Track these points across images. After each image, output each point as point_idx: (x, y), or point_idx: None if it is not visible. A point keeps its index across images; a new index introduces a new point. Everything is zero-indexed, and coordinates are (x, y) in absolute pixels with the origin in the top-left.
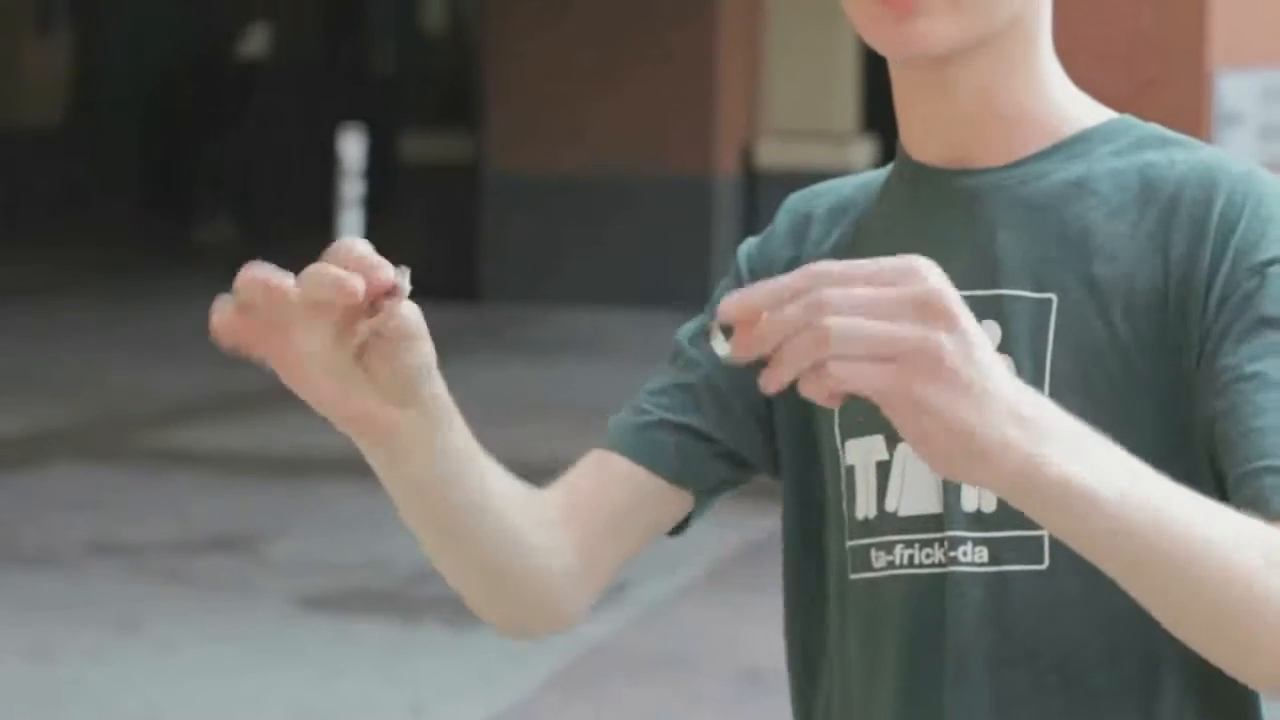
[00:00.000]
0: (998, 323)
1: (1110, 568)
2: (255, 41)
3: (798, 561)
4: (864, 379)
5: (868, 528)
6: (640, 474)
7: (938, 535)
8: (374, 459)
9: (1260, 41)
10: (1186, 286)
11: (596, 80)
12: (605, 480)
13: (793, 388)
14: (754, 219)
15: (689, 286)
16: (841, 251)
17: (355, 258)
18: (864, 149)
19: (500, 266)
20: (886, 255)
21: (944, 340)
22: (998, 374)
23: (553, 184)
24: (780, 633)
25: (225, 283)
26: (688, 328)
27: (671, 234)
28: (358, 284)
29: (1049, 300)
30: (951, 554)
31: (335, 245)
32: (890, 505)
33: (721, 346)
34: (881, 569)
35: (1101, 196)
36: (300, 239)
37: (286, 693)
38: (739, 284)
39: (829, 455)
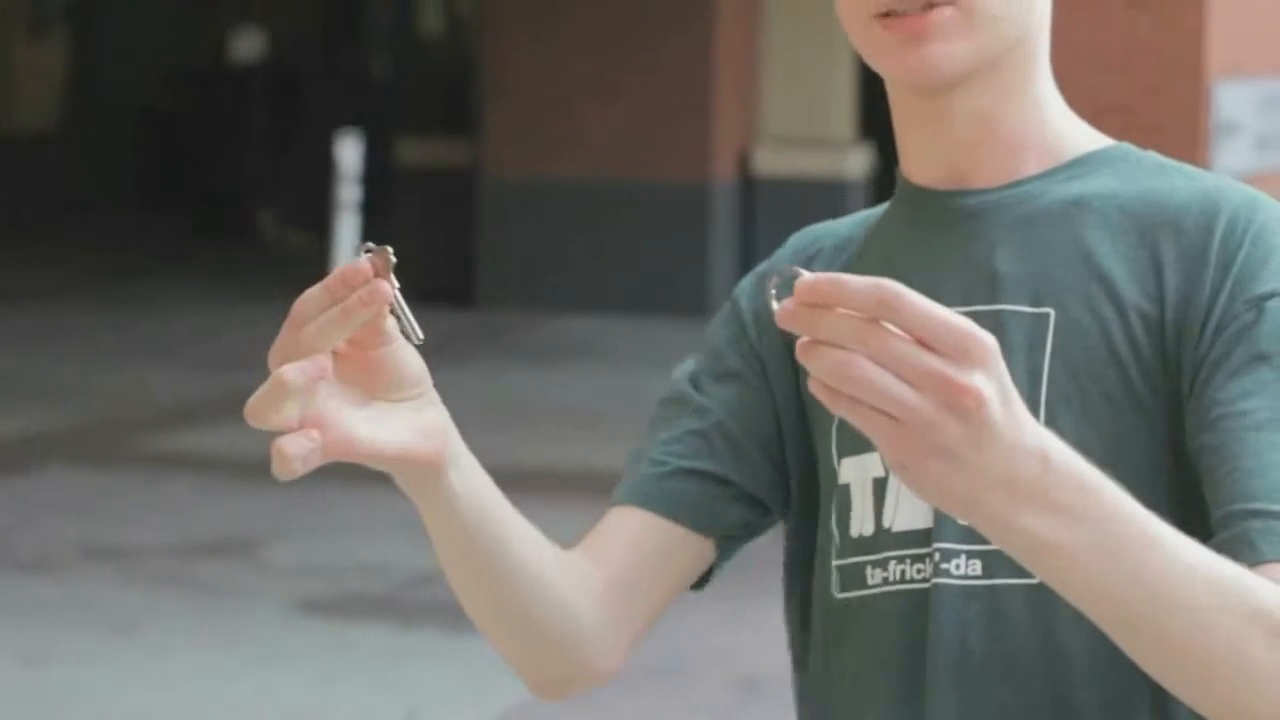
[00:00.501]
0: (995, 338)
1: (1094, 618)
2: (249, 46)
3: (799, 585)
4: (865, 426)
5: (863, 545)
6: (662, 525)
7: (927, 550)
8: (422, 496)
9: (1258, 51)
10: (1184, 312)
11: (594, 86)
12: (627, 537)
13: (801, 415)
14: (751, 226)
15: (686, 293)
16: None
17: (322, 291)
18: (860, 157)
19: (497, 272)
20: (883, 276)
21: (950, 429)
22: (1003, 449)
23: (550, 190)
24: (775, 641)
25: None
26: (686, 371)
27: (668, 241)
28: (363, 294)
29: (1046, 315)
30: (942, 567)
31: (296, 306)
32: (886, 521)
33: (774, 301)
34: (876, 585)
35: (1100, 216)
36: (299, 243)
37: (282, 697)
38: (742, 334)
39: (825, 475)
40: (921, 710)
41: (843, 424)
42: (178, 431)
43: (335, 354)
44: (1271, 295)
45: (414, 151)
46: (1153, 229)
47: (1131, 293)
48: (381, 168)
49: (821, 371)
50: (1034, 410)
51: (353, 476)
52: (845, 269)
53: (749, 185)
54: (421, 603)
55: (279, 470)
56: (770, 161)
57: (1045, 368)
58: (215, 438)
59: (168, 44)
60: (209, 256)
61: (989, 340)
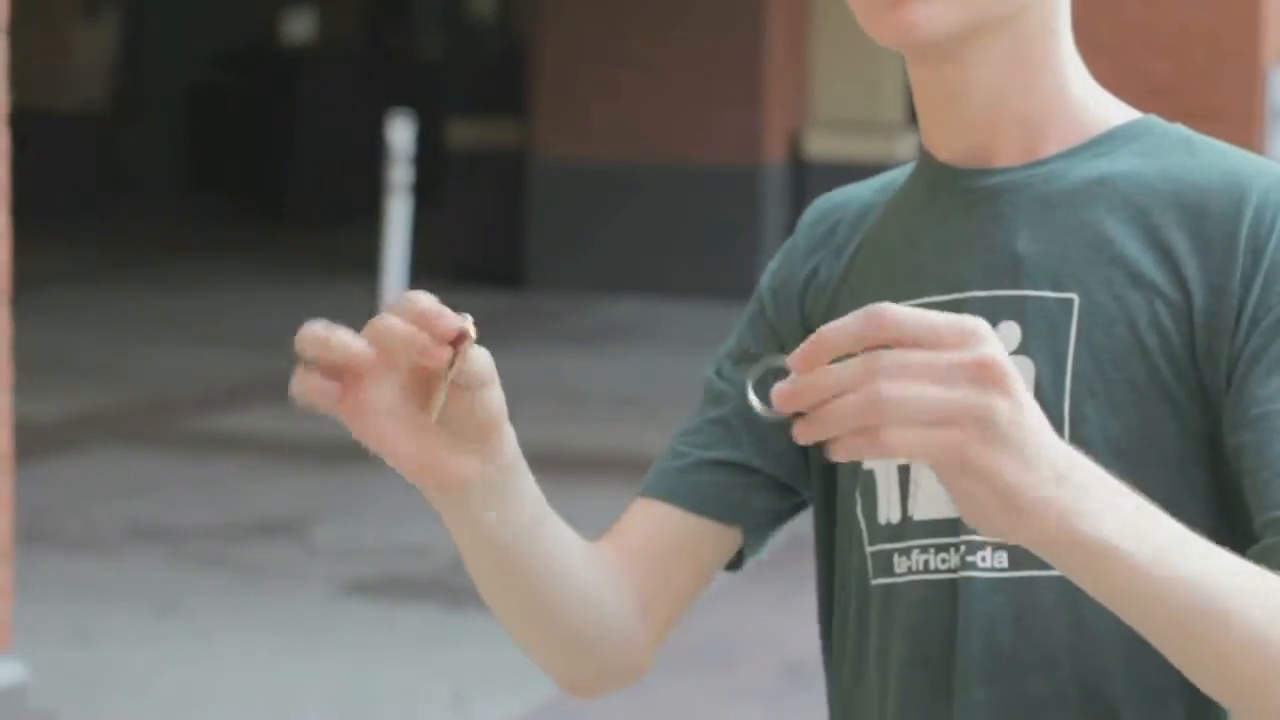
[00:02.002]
0: (1018, 323)
1: (1142, 627)
2: (301, 27)
3: (825, 571)
4: (918, 445)
5: (892, 532)
6: (684, 518)
7: (953, 540)
8: (449, 515)
9: None
10: (1216, 303)
11: (645, 67)
12: (651, 529)
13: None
14: (801, 209)
15: (736, 276)
16: (859, 256)
17: (419, 312)
18: (910, 140)
19: (546, 254)
20: (902, 257)
21: (998, 404)
22: (1044, 435)
23: (600, 171)
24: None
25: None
26: (715, 357)
27: (719, 224)
28: (428, 344)
29: (1070, 300)
30: (968, 559)
31: (399, 299)
32: (910, 509)
33: (757, 403)
34: (901, 574)
35: (1124, 197)
36: (349, 224)
37: (327, 679)
38: (760, 313)
39: (849, 462)
40: (950, 703)
41: None
42: (224, 413)
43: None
44: None
45: (464, 133)
46: (1179, 211)
47: (1157, 278)
48: (432, 149)
49: (848, 421)
50: (1058, 397)
51: None
52: (863, 241)
53: (800, 168)
54: (467, 585)
55: (293, 390)
56: (821, 144)
57: (1070, 355)
58: (261, 419)
59: (219, 24)
60: (257, 237)
61: (982, 322)
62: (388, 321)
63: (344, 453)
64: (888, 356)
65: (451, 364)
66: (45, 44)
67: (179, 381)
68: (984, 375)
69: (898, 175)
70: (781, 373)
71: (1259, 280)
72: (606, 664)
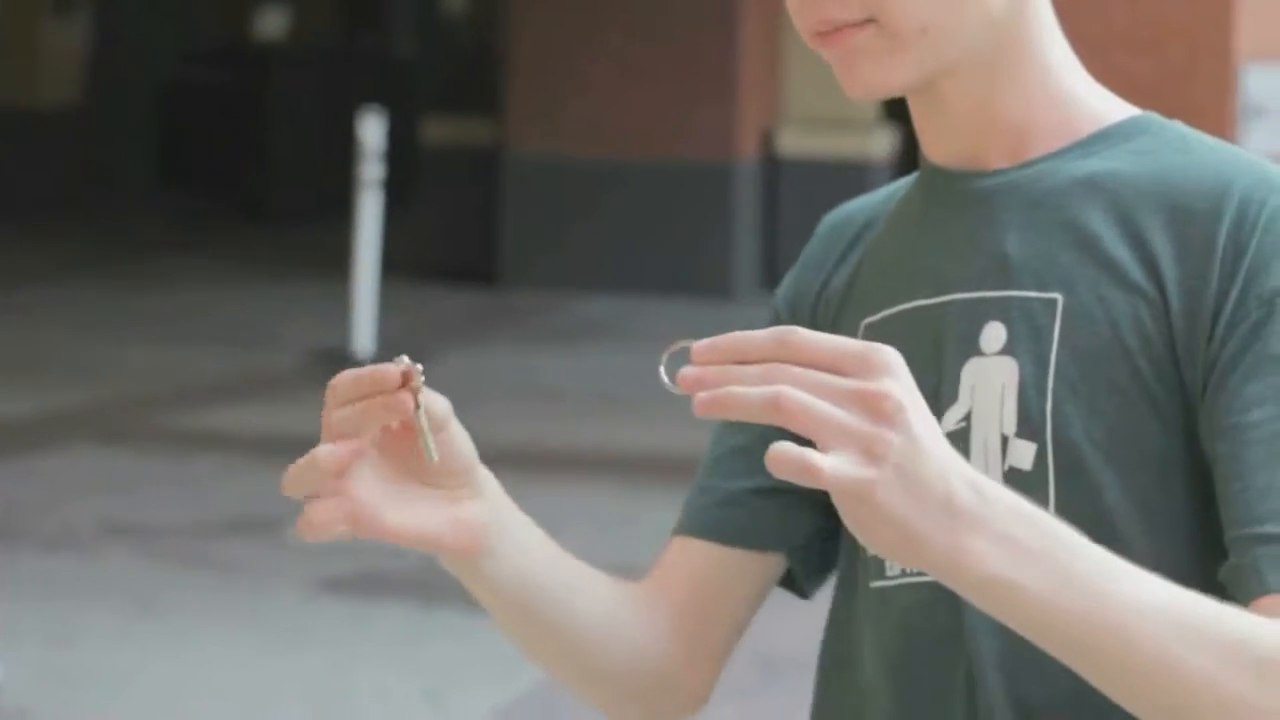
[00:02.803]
0: (1003, 324)
1: (1057, 654)
2: (273, 23)
3: (844, 576)
4: (815, 460)
5: None
6: (719, 551)
7: None
8: (469, 577)
9: None
10: (1194, 304)
11: (618, 65)
12: (690, 568)
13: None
14: (774, 206)
15: (709, 274)
16: (863, 265)
17: (353, 381)
18: (884, 138)
19: (520, 251)
20: (901, 262)
21: (887, 437)
22: (939, 468)
23: (574, 169)
24: (795, 621)
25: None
26: None
27: (692, 221)
28: (388, 399)
29: (1054, 300)
30: None
31: (330, 386)
32: None
33: (666, 380)
34: (895, 576)
35: (1111, 196)
36: (322, 222)
37: (303, 676)
38: (772, 317)
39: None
40: (948, 705)
41: None
42: (199, 410)
43: (385, 429)
44: None
45: (437, 131)
46: (1164, 213)
47: (1138, 278)
48: (404, 146)
49: (747, 410)
50: (1040, 397)
51: None
52: (867, 250)
53: (773, 166)
54: (441, 583)
55: (301, 531)
56: (794, 142)
57: (1052, 355)
58: (237, 416)
59: (191, 22)
60: (231, 234)
61: (889, 351)
62: (340, 412)
63: None
64: (791, 373)
65: (416, 404)
66: (16, 41)
67: (154, 379)
68: (879, 407)
69: (903, 184)
70: (688, 351)
71: (1237, 283)
72: (659, 704)
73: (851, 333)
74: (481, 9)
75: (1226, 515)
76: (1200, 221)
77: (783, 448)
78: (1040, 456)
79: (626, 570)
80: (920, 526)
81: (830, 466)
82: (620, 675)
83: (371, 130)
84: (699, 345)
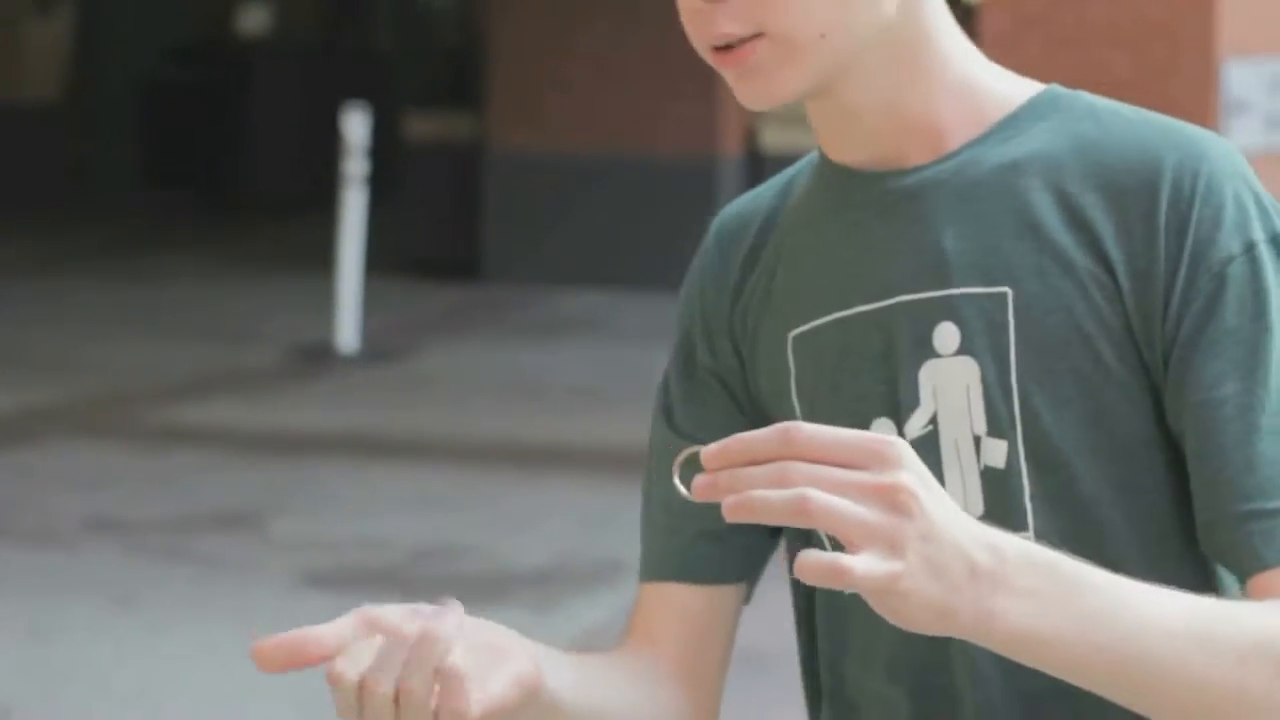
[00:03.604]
0: (954, 324)
1: (1090, 688)
2: (255, 20)
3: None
4: (844, 562)
5: None
6: (702, 591)
7: None
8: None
9: (1268, 31)
10: (1144, 286)
11: (600, 60)
12: (672, 614)
13: (762, 408)
14: None
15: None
16: (779, 270)
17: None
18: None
19: (503, 246)
20: (822, 269)
21: (906, 529)
22: (955, 536)
23: (556, 164)
24: (779, 617)
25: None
26: (654, 416)
27: (674, 216)
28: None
29: (1003, 294)
30: None
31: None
32: None
33: (682, 489)
34: None
35: (1040, 180)
36: (305, 218)
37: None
38: (688, 346)
39: None
40: (956, 697)
41: (822, 418)
42: (180, 405)
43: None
44: (1230, 260)
45: (420, 126)
46: (1096, 192)
47: (1085, 261)
48: (388, 142)
49: (773, 513)
50: (1006, 395)
51: (356, 452)
52: (778, 253)
53: (755, 161)
54: (423, 577)
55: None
56: (776, 137)
57: (1012, 351)
58: (219, 412)
59: (173, 17)
60: (213, 230)
61: (897, 441)
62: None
63: (302, 445)
64: (804, 472)
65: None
66: None
67: (136, 374)
68: (895, 500)
69: (794, 176)
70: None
71: (1185, 259)
72: None
73: (777, 346)
74: (463, 5)
75: (1207, 494)
76: (1135, 198)
77: (811, 556)
78: (1012, 453)
79: (610, 565)
80: (949, 602)
81: (860, 567)
82: None
83: (355, 126)
84: (708, 451)
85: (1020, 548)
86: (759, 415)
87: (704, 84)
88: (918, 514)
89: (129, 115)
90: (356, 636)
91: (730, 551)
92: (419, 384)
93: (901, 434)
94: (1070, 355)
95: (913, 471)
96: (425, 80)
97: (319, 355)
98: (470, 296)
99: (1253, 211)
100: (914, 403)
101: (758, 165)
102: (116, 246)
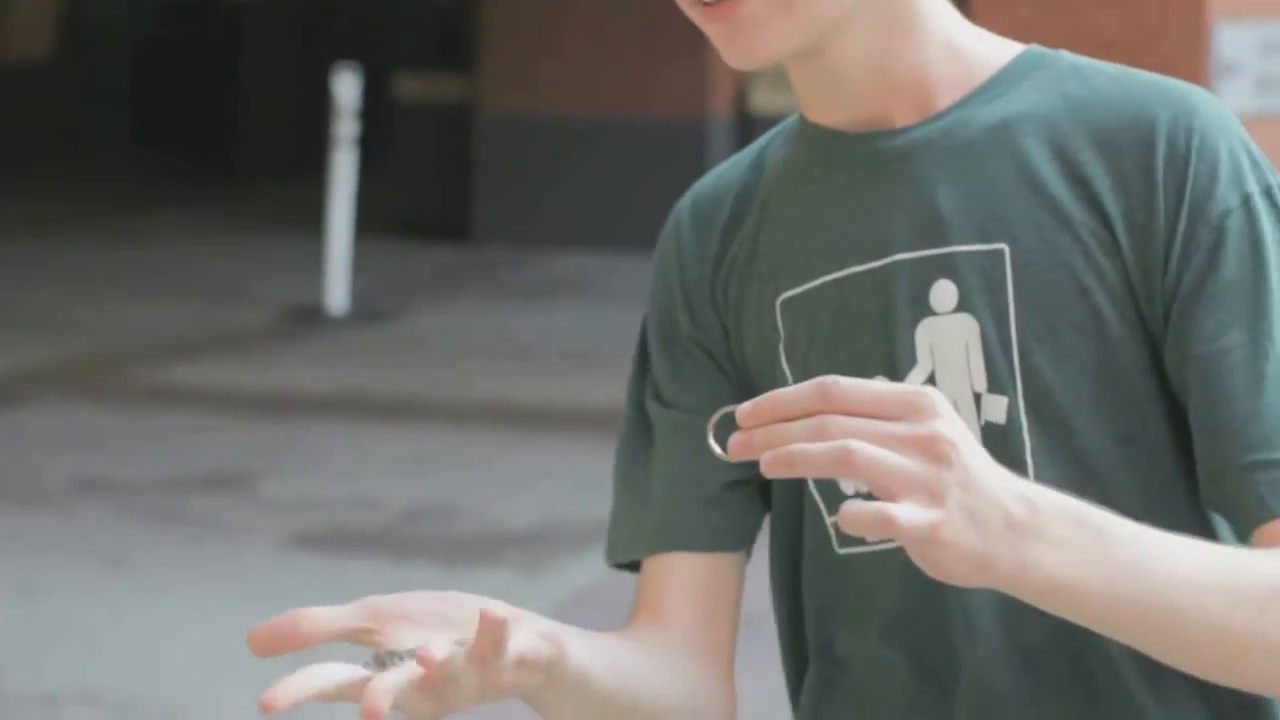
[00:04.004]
0: (953, 282)
1: (1114, 637)
2: None
3: (785, 541)
4: (889, 511)
5: (861, 500)
6: (711, 560)
7: None
8: (549, 694)
9: None
10: (1143, 241)
11: (591, 21)
12: (681, 585)
13: (747, 375)
14: None
15: None
16: (761, 238)
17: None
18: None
19: (493, 207)
20: (813, 232)
21: (945, 478)
22: (991, 486)
23: (547, 125)
24: (767, 578)
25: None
26: (631, 389)
27: (665, 177)
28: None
29: (1000, 251)
30: None
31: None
32: None
33: (716, 448)
34: (876, 543)
35: (1032, 138)
36: (296, 178)
37: None
38: (668, 316)
39: None
40: (954, 656)
41: None
42: (171, 366)
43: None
44: (1228, 213)
45: (411, 87)
46: (1092, 148)
47: (1082, 216)
48: (379, 103)
49: (814, 465)
50: (1006, 352)
51: (348, 412)
52: (760, 221)
53: (745, 122)
54: (415, 537)
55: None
56: (767, 99)
57: (1011, 307)
58: (210, 372)
59: None
60: (204, 191)
61: (932, 392)
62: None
63: (292, 406)
64: (843, 425)
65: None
66: None
67: (127, 335)
68: (933, 449)
69: (763, 149)
70: (734, 418)
71: (1184, 213)
72: None
73: (764, 312)
74: None
75: (1212, 444)
76: (1131, 154)
77: (856, 506)
78: (1013, 409)
79: (602, 526)
80: (987, 552)
81: (905, 516)
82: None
83: (346, 87)
84: (743, 410)
85: (1051, 499)
86: (744, 383)
87: (695, 45)
88: (956, 463)
89: (120, 75)
90: (361, 624)
91: (731, 517)
92: (410, 345)
93: None
94: (1069, 310)
95: (949, 421)
96: (417, 41)
97: (310, 316)
98: (461, 258)
99: (1245, 164)
100: (911, 361)
101: (748, 127)
102: (106, 208)
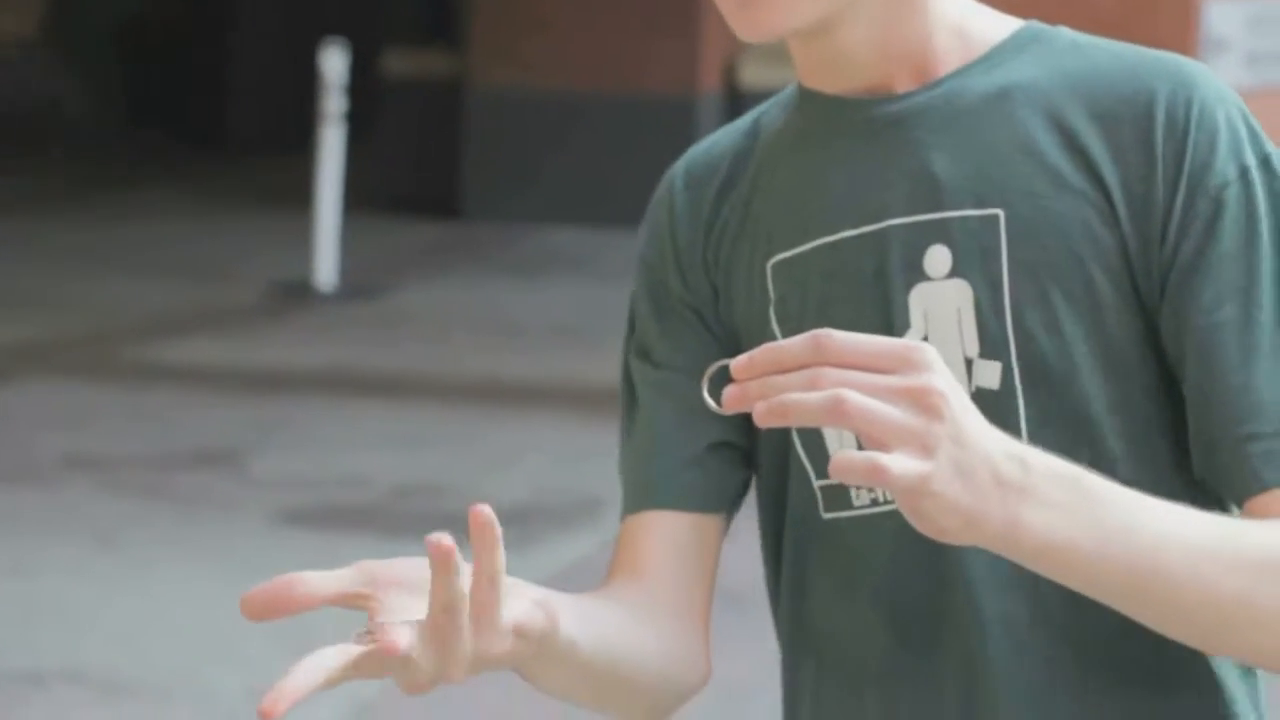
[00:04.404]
0: (947, 246)
1: (1102, 600)
2: None
3: (771, 508)
4: (882, 463)
5: None
6: (691, 520)
7: None
8: (540, 661)
9: None
10: (1142, 211)
11: None
12: (664, 544)
13: (735, 337)
14: None
15: None
16: (754, 203)
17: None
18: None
19: (482, 183)
20: (807, 197)
21: (936, 430)
22: (983, 443)
23: (536, 101)
24: (756, 553)
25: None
26: (626, 349)
27: (655, 153)
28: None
29: (995, 216)
30: None
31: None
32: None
33: (710, 401)
34: (863, 506)
35: (1030, 108)
36: (284, 155)
37: None
38: (656, 277)
39: None
40: (940, 625)
41: None
42: (159, 343)
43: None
44: (1226, 185)
45: (400, 63)
46: (1090, 120)
47: (1079, 184)
48: (367, 79)
49: (808, 415)
50: (999, 318)
51: (337, 389)
52: (754, 187)
53: (735, 97)
54: (404, 514)
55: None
56: (756, 74)
57: (1005, 274)
58: (198, 349)
59: None
60: (191, 167)
61: (925, 346)
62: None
63: (281, 382)
64: (835, 376)
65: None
66: None
67: (115, 312)
68: (925, 401)
69: (759, 118)
70: (727, 373)
71: (1182, 186)
72: (677, 691)
73: (756, 275)
74: None
75: (1204, 416)
76: (1130, 125)
77: (849, 456)
78: (1007, 374)
79: (591, 502)
80: (977, 508)
81: (896, 466)
82: (646, 688)
83: (333, 63)
84: (738, 362)
85: (1043, 459)
86: (732, 344)
87: (685, 21)
88: (948, 417)
89: (106, 51)
90: (355, 589)
91: (712, 479)
92: (398, 321)
93: None
94: (1063, 278)
95: (942, 375)
96: (406, 17)
97: (298, 293)
98: (450, 234)
99: (1244, 135)
100: (905, 326)
101: (737, 103)
102: (94, 184)
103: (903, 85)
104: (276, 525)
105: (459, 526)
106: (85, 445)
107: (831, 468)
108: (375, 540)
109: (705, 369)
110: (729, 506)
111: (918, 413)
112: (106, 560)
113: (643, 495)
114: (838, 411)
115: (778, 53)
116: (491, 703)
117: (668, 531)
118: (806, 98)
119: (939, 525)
